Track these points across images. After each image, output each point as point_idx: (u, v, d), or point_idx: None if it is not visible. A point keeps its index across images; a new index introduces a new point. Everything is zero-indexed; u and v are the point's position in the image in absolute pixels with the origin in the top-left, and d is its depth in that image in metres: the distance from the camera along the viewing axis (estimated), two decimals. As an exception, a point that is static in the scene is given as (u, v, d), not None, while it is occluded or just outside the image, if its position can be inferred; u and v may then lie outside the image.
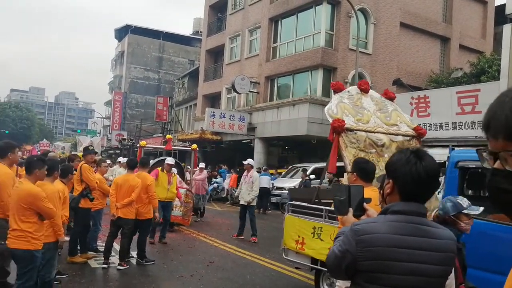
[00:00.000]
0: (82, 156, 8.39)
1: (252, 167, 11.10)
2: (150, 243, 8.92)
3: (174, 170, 10.55)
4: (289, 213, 6.24)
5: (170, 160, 10.17)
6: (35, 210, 4.51)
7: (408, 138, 5.50)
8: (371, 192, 3.05)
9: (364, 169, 3.75)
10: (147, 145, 13.75)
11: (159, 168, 9.95)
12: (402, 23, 22.63)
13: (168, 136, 14.31)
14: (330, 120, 5.05)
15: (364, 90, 5.69)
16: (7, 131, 64.34)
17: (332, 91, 5.91)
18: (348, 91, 5.61)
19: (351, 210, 2.14)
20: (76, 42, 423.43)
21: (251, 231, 10.48)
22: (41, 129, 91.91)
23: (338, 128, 4.92)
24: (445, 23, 24.69)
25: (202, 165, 14.15)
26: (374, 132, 5.20)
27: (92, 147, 8.55)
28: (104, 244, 7.60)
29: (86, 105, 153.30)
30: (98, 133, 56.66)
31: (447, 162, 5.33)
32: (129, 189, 7.27)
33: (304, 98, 20.18)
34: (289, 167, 20.92)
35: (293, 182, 17.73)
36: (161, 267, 7.48)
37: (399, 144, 5.30)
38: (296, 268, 6.68)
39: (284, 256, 6.27)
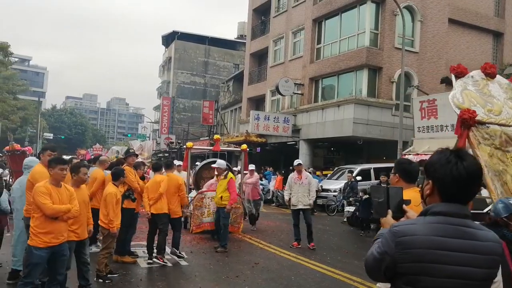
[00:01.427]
0: (124, 158, 8.63)
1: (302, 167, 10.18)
2: (216, 251, 8.85)
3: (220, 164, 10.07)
4: None
5: (218, 164, 9.61)
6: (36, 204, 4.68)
7: None
8: (412, 193, 2.99)
9: (406, 170, 3.65)
10: (193, 147, 13.21)
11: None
12: (451, 19, 21.89)
13: (216, 136, 13.41)
14: (457, 111, 4.26)
15: (491, 75, 4.77)
16: (63, 137, 67.55)
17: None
18: (472, 76, 4.69)
19: (390, 212, 2.12)
20: (126, 50, 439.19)
21: (308, 238, 9.82)
22: (94, 134, 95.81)
23: (469, 120, 4.11)
24: (498, 17, 23.67)
25: (252, 166, 12.86)
26: (509, 126, 4.39)
27: (133, 150, 8.86)
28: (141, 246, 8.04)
29: (136, 110, 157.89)
30: (148, 137, 58.35)
31: None
32: (156, 186, 7.73)
33: (349, 99, 19.94)
34: (335, 169, 20.72)
35: (339, 184, 17.55)
36: (207, 268, 7.63)
37: None
38: None
39: None
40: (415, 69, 20.79)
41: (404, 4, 19.49)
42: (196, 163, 14.22)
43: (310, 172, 17.17)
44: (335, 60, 21.62)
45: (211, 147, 13.37)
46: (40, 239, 4.62)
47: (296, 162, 10.13)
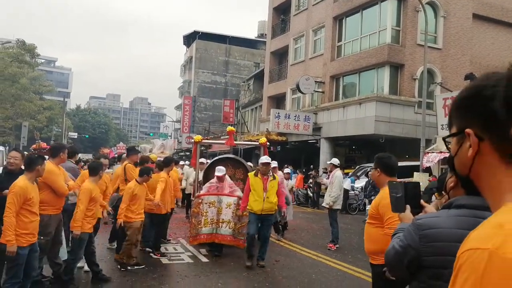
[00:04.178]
0: (127, 156, 8.58)
1: (335, 166, 9.84)
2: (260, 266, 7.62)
3: (221, 171, 8.46)
4: None
5: (264, 159, 7.81)
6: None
7: None
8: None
9: (387, 164, 3.69)
10: (203, 140, 11.36)
11: (252, 173, 7.81)
12: (475, 14, 21.47)
13: (229, 128, 11.02)
14: None
15: None
16: (87, 136, 68.78)
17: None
18: None
19: (408, 207, 2.12)
20: (148, 50, 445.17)
21: (331, 237, 9.64)
22: (117, 133, 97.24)
23: None
24: (525, 12, 23.08)
25: (274, 163, 9.41)
26: None
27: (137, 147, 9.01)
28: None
29: (158, 110, 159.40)
30: (169, 136, 58.89)
31: None
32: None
33: (371, 96, 19.73)
34: (357, 167, 20.53)
35: (361, 182, 17.39)
36: (228, 264, 7.66)
37: None
38: None
39: None
40: (438, 66, 20.45)
41: (426, -1, 19.20)
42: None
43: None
44: (356, 57, 21.43)
45: (224, 142, 11.39)
46: (23, 238, 4.74)
47: (329, 161, 10.39)
